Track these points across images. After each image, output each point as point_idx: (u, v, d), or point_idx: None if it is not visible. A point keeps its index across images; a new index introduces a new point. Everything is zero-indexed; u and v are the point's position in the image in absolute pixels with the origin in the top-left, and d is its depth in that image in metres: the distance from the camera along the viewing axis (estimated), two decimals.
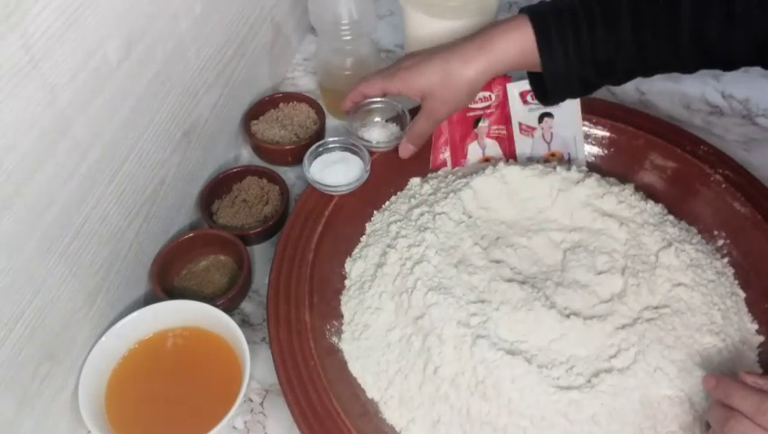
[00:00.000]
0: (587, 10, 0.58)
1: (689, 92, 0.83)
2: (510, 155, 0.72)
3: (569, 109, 0.70)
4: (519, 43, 0.59)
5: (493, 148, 0.71)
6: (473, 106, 0.69)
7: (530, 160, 0.71)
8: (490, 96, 0.70)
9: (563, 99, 0.65)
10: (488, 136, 0.70)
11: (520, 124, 0.71)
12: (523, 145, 0.72)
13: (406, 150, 0.68)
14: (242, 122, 0.76)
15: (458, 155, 0.70)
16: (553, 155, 0.72)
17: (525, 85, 0.69)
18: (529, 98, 0.69)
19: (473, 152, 0.70)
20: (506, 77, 0.71)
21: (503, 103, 0.70)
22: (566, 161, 0.71)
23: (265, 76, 0.81)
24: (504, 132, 0.71)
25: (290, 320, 0.56)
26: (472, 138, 0.70)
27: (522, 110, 0.70)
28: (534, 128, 0.71)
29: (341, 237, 0.65)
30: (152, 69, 0.56)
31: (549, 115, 0.70)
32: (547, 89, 0.62)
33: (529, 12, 0.59)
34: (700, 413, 0.52)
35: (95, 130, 0.50)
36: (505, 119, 0.70)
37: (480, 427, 0.52)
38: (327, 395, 0.52)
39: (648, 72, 0.61)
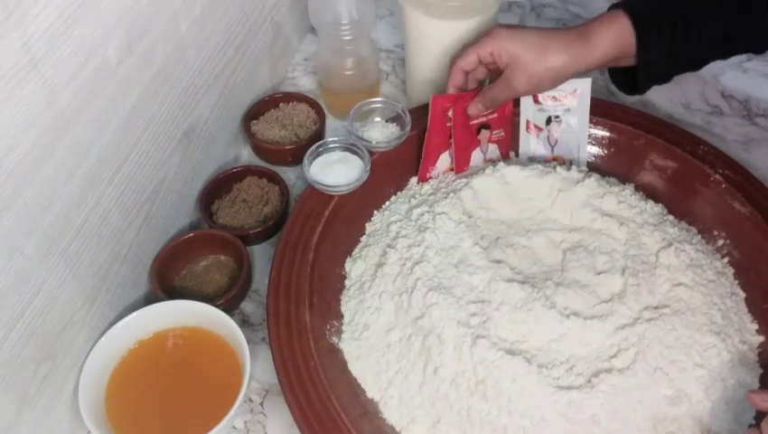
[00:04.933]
0: (681, 4, 0.58)
1: (689, 92, 0.83)
2: (507, 156, 0.72)
3: (579, 117, 0.70)
4: (618, 38, 0.59)
5: (494, 152, 0.71)
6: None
7: (532, 160, 0.71)
8: None
9: (648, 89, 0.64)
10: (490, 141, 0.70)
11: (528, 121, 0.70)
12: (526, 143, 0.72)
13: (476, 109, 0.66)
14: (242, 122, 0.76)
15: (462, 163, 0.70)
16: (555, 159, 0.71)
17: None
18: (540, 98, 0.69)
19: (475, 158, 0.70)
20: None
21: (503, 107, 0.69)
22: (567, 165, 0.70)
23: (265, 76, 0.81)
24: (503, 134, 0.71)
25: (290, 320, 0.56)
26: (475, 146, 0.70)
27: (532, 109, 0.70)
28: (540, 129, 0.71)
29: (341, 237, 0.65)
30: (152, 69, 0.56)
31: (558, 120, 0.70)
32: (636, 81, 0.62)
33: (624, 7, 0.60)
34: (700, 413, 0.52)
35: (95, 130, 0.50)
36: (505, 121, 0.70)
37: (480, 427, 0.52)
38: (327, 395, 0.52)
39: (730, 56, 0.62)
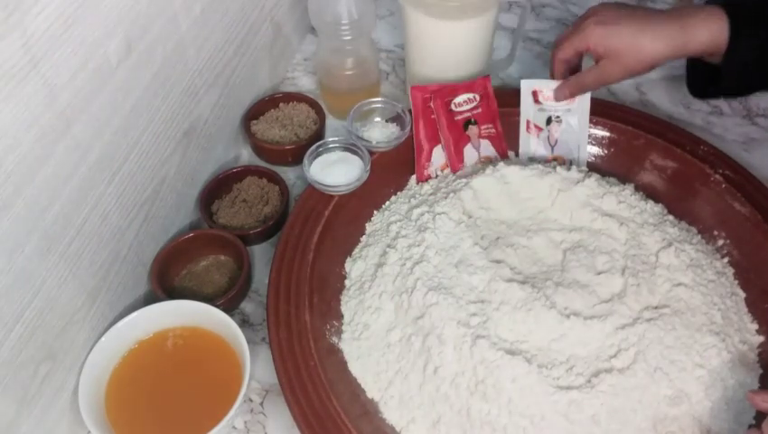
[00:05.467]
0: None
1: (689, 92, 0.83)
2: (503, 153, 0.72)
3: (579, 118, 0.70)
4: (713, 31, 0.59)
5: (487, 148, 0.71)
6: (460, 109, 0.69)
7: (532, 160, 0.71)
8: (474, 97, 0.70)
9: (725, 94, 0.66)
10: (480, 136, 0.70)
11: (528, 121, 0.71)
12: (526, 142, 0.72)
13: (562, 94, 0.69)
14: (242, 122, 0.76)
15: (456, 161, 0.70)
16: (555, 159, 0.72)
17: (538, 84, 0.70)
18: (540, 98, 0.70)
19: (469, 155, 0.70)
20: (486, 76, 0.71)
21: (486, 102, 0.69)
22: (567, 166, 0.70)
23: (265, 76, 0.80)
24: (493, 130, 0.71)
25: (290, 320, 0.56)
26: (466, 142, 0.70)
27: (533, 109, 0.71)
28: (541, 129, 0.71)
29: (341, 237, 0.65)
30: (152, 69, 0.56)
31: (558, 120, 0.71)
32: (718, 81, 0.62)
33: (722, 3, 0.60)
34: (700, 413, 0.52)
35: (95, 130, 0.50)
36: (491, 117, 0.70)
37: (480, 427, 0.52)
38: (327, 395, 0.52)
39: None
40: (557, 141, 0.71)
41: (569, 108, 0.70)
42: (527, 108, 0.71)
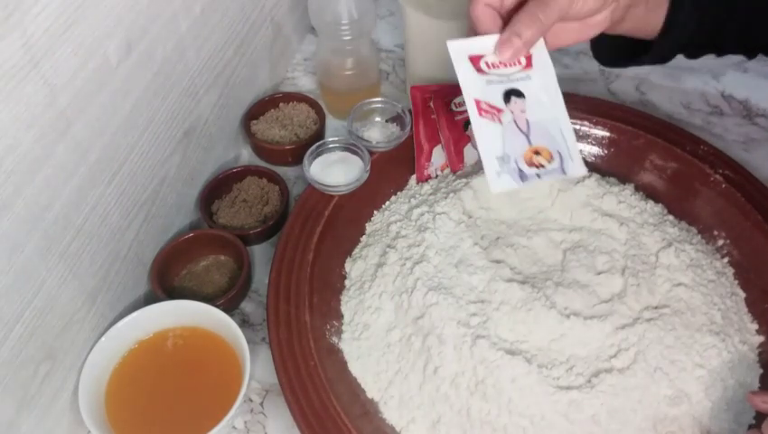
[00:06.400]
0: None
1: (689, 92, 0.83)
2: None
3: (545, 84, 0.51)
4: None
5: None
6: (460, 109, 0.68)
7: (503, 161, 0.49)
8: None
9: (656, 60, 0.58)
10: None
11: (477, 102, 0.49)
12: (487, 133, 0.49)
13: (509, 49, 0.50)
14: (242, 122, 0.76)
15: (456, 161, 0.69)
16: (537, 152, 0.50)
17: (473, 44, 0.50)
18: (483, 64, 0.50)
19: (469, 155, 0.70)
20: None
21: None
22: (559, 163, 0.50)
23: (265, 76, 0.80)
24: None
25: (290, 320, 0.56)
26: (466, 142, 0.70)
27: (477, 82, 0.50)
28: (501, 110, 0.50)
29: (341, 237, 0.65)
30: (152, 69, 0.56)
31: (518, 93, 0.50)
32: (654, 40, 0.56)
33: None
34: (700, 413, 0.52)
35: (95, 130, 0.50)
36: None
37: (480, 427, 0.52)
38: (327, 395, 0.52)
39: (726, 52, 0.61)
40: (528, 124, 0.50)
41: (528, 75, 0.51)
42: (468, 81, 0.50)
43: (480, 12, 0.51)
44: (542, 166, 0.50)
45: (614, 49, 0.60)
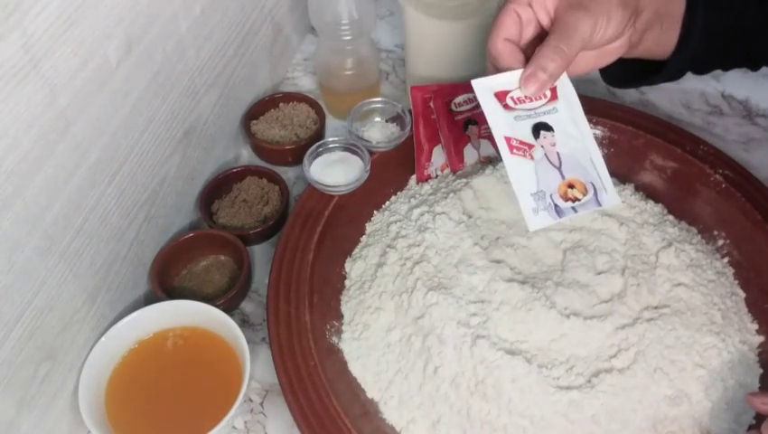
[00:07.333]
0: None
1: (689, 92, 0.83)
2: None
3: (572, 115, 0.52)
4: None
5: (487, 148, 0.71)
6: (460, 109, 0.69)
7: (538, 198, 0.49)
8: (474, 97, 0.68)
9: (667, 78, 0.58)
10: (480, 136, 0.70)
11: (508, 140, 0.49)
12: (520, 170, 0.49)
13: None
14: (242, 122, 0.76)
15: (456, 161, 0.69)
16: (571, 185, 0.50)
17: (497, 81, 0.50)
18: (509, 100, 0.50)
19: (469, 155, 0.70)
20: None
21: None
22: (593, 194, 0.51)
23: (265, 76, 0.81)
24: None
25: (290, 320, 0.56)
26: (466, 142, 0.69)
27: (506, 119, 0.50)
28: (532, 146, 0.50)
29: (341, 237, 0.65)
30: (152, 69, 0.56)
31: (547, 127, 0.51)
32: (667, 60, 0.57)
33: None
34: (700, 413, 0.52)
35: (95, 130, 0.50)
36: None
37: (480, 427, 0.52)
38: (327, 395, 0.52)
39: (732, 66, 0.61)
40: (560, 157, 0.50)
41: (555, 107, 0.51)
42: (496, 119, 0.50)
43: (500, 47, 0.51)
44: (577, 200, 0.50)
45: (625, 71, 0.61)
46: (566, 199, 0.50)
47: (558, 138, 0.51)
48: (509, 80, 0.50)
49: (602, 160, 0.51)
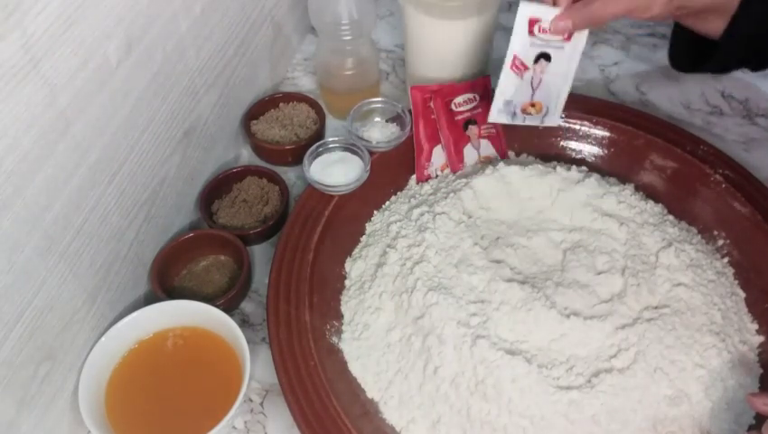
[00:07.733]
0: None
1: (689, 92, 0.83)
2: (502, 153, 0.72)
3: (569, 59, 0.61)
4: None
5: (487, 148, 0.71)
6: (460, 109, 0.69)
7: (508, 105, 0.63)
8: (474, 97, 0.69)
9: (718, 68, 0.61)
10: (480, 136, 0.70)
11: (515, 57, 0.60)
12: (509, 81, 0.61)
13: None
14: (242, 122, 0.76)
15: (456, 161, 0.70)
16: (533, 105, 0.63)
17: (539, 10, 0.58)
18: (536, 29, 0.59)
19: (469, 155, 0.70)
20: (487, 76, 0.70)
21: (487, 102, 0.69)
22: (542, 115, 0.64)
23: (265, 76, 0.81)
24: (493, 130, 0.71)
25: (290, 320, 0.56)
26: (466, 142, 0.70)
27: (524, 43, 0.59)
28: (527, 68, 0.61)
29: (341, 237, 0.65)
30: (152, 69, 0.56)
31: (547, 57, 0.60)
32: (717, 49, 0.58)
33: None
34: (700, 413, 0.52)
35: (95, 130, 0.50)
36: None
37: (480, 427, 0.52)
38: (327, 395, 0.52)
39: None
40: (540, 83, 0.61)
41: (562, 47, 0.60)
42: (519, 39, 0.59)
43: None
44: (530, 114, 0.64)
45: (690, 55, 0.65)
46: (524, 113, 0.63)
47: (549, 68, 0.61)
48: (545, 13, 0.58)
49: (566, 95, 0.63)
